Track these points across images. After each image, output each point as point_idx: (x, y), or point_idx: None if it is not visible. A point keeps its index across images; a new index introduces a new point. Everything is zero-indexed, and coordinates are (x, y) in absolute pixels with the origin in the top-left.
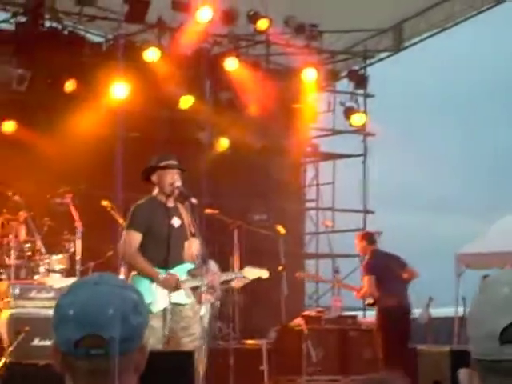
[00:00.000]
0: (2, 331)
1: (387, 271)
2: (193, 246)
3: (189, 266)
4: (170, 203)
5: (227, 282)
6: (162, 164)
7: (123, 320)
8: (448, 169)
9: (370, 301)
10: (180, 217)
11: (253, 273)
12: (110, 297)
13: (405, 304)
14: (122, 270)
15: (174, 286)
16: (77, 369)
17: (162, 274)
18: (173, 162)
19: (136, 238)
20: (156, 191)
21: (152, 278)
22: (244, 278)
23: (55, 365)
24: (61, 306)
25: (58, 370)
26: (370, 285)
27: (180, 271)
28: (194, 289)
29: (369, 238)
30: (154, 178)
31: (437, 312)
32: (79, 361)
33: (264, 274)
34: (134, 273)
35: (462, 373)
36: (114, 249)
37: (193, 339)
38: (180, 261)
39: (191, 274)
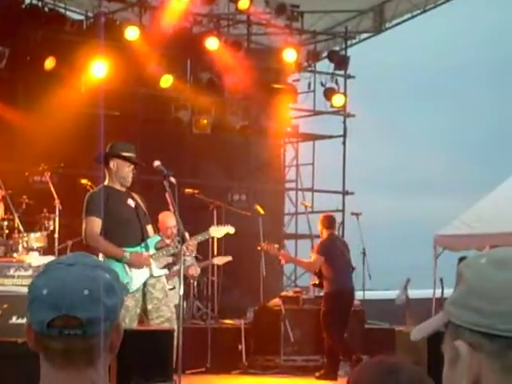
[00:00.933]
0: None
1: (337, 255)
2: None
3: (155, 239)
4: (123, 189)
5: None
6: (126, 155)
7: (96, 301)
8: (427, 150)
9: (316, 281)
10: (134, 200)
11: (219, 231)
12: (84, 278)
13: (350, 288)
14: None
15: (143, 262)
16: (51, 349)
17: (126, 252)
18: (133, 155)
19: (96, 223)
20: (108, 179)
21: (119, 258)
22: (212, 237)
23: (29, 344)
24: (35, 286)
25: (33, 349)
26: (316, 264)
27: (149, 245)
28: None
29: (327, 221)
30: (112, 164)
31: (415, 293)
32: (53, 341)
33: (230, 229)
34: (101, 256)
35: (462, 345)
36: None
37: (161, 322)
38: (146, 236)
39: (158, 246)
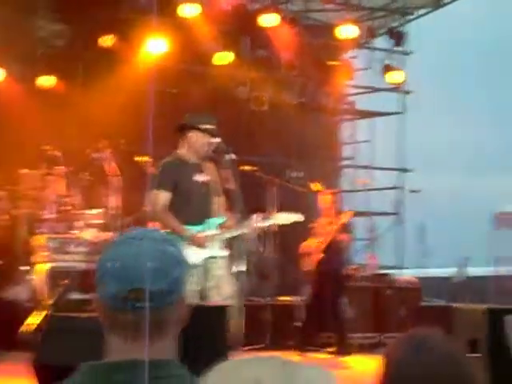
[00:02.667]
0: (41, 284)
1: None
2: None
3: (219, 219)
4: (197, 160)
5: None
6: (206, 127)
7: (165, 273)
8: (487, 128)
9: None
10: (207, 173)
11: (287, 218)
12: (154, 251)
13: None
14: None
15: (201, 243)
16: (122, 321)
17: (190, 231)
18: (213, 128)
19: (164, 196)
20: (184, 149)
21: (181, 236)
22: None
23: (100, 317)
24: (105, 259)
25: (103, 324)
26: None
27: (211, 225)
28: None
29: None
30: (190, 135)
31: (473, 271)
32: (125, 314)
33: (298, 217)
34: (163, 231)
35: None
36: None
37: (222, 299)
38: (211, 216)
39: (224, 227)
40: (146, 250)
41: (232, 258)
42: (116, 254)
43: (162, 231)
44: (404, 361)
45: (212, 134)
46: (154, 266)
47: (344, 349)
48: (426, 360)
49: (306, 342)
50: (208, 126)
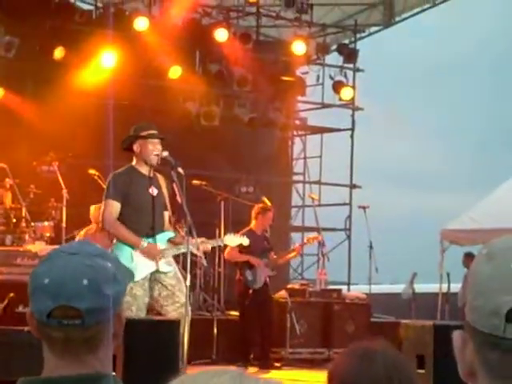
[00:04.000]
0: None
1: None
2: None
3: (169, 234)
4: (148, 173)
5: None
6: (144, 133)
7: (96, 291)
8: (436, 144)
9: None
10: (157, 186)
11: (234, 240)
12: (84, 267)
13: None
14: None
15: (155, 255)
16: (51, 337)
17: (143, 241)
18: (154, 132)
19: (114, 206)
20: (135, 161)
21: (133, 246)
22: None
23: (32, 331)
24: (36, 274)
25: (36, 336)
26: None
27: (161, 240)
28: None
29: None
30: (135, 146)
31: (421, 287)
32: (53, 330)
33: (244, 241)
34: (115, 241)
35: (456, 335)
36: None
37: (177, 307)
38: (160, 229)
39: (172, 242)
40: (77, 266)
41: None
42: (47, 269)
43: (98, 246)
44: (349, 372)
45: (153, 137)
46: (83, 282)
47: (268, 363)
48: (370, 369)
49: (255, 357)
50: (149, 132)
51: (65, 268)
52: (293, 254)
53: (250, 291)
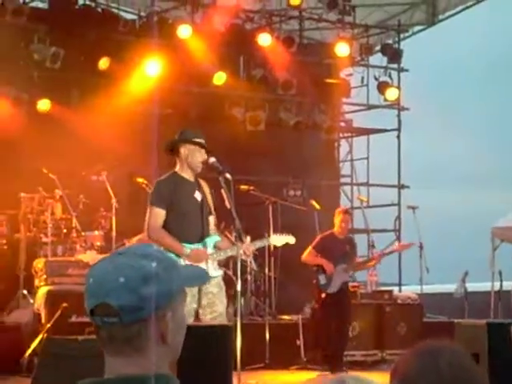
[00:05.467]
0: (39, 308)
1: None
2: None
3: (215, 238)
4: (192, 178)
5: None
6: (196, 140)
7: (132, 289)
8: (483, 142)
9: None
10: (202, 191)
11: (279, 239)
12: (124, 266)
13: None
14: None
15: (203, 259)
16: (100, 337)
17: (187, 248)
18: (202, 141)
19: (160, 214)
20: (179, 166)
21: (178, 254)
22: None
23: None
24: (87, 276)
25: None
26: None
27: (208, 244)
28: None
29: None
30: (182, 151)
31: (473, 286)
32: (99, 329)
33: (290, 239)
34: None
35: None
36: None
37: (215, 316)
38: (206, 234)
39: (217, 247)
40: (118, 265)
41: (229, 278)
42: (94, 270)
43: (155, 247)
44: (412, 369)
45: (201, 145)
46: (120, 280)
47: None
48: (434, 367)
49: (308, 360)
50: (196, 140)
51: (106, 268)
52: (372, 263)
53: (323, 295)
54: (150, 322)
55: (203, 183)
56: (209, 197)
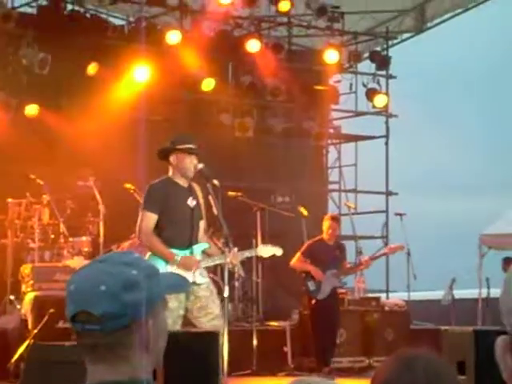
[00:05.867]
0: (26, 313)
1: None
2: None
3: (203, 245)
4: (185, 184)
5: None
6: (183, 147)
7: (113, 297)
8: (470, 150)
9: None
10: (195, 197)
11: (267, 250)
12: (104, 274)
13: None
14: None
15: (192, 266)
16: (82, 344)
17: (177, 255)
18: (193, 146)
19: (151, 218)
20: (171, 172)
21: (168, 260)
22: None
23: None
24: (68, 282)
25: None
26: None
27: (197, 251)
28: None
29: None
30: (172, 158)
31: (460, 293)
32: (80, 336)
33: (278, 251)
34: (149, 253)
35: (499, 340)
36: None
37: (210, 319)
38: (195, 241)
39: (206, 253)
40: (99, 273)
41: (217, 284)
42: (75, 277)
43: (134, 255)
44: (390, 378)
45: (191, 152)
46: (101, 288)
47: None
48: (411, 376)
49: (295, 367)
50: (186, 146)
51: (87, 275)
52: (361, 267)
53: (313, 301)
54: (131, 330)
55: (197, 188)
56: (201, 201)
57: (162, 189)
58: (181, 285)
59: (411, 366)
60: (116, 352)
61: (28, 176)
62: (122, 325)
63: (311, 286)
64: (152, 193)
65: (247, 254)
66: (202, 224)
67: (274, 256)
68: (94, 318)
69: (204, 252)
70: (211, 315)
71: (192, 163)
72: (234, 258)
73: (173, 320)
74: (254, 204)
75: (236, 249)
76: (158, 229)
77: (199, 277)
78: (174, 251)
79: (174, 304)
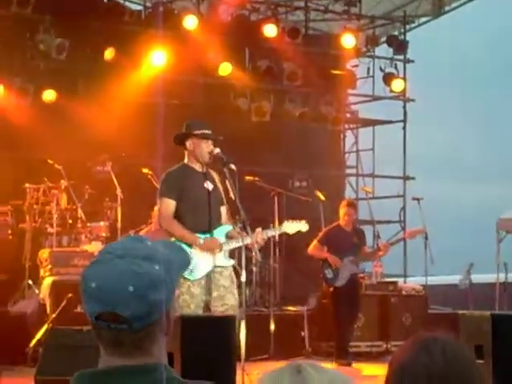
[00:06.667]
0: (45, 298)
1: None
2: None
3: (226, 228)
4: (202, 169)
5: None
6: (199, 132)
7: (142, 297)
8: (491, 134)
9: None
10: (212, 181)
11: (292, 227)
12: (130, 273)
13: None
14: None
15: (215, 248)
16: (103, 338)
17: (200, 238)
18: (208, 132)
19: (170, 204)
20: (187, 158)
21: (191, 244)
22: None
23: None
24: (85, 277)
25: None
26: None
27: (218, 234)
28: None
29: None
30: (188, 144)
31: (478, 278)
32: (103, 331)
33: (303, 226)
34: (172, 239)
35: None
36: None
37: (225, 309)
38: (217, 223)
39: (229, 236)
40: (123, 272)
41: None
42: (94, 273)
43: (147, 244)
44: (408, 361)
45: (207, 137)
46: (129, 289)
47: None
48: (428, 359)
49: (313, 351)
50: (202, 131)
51: (110, 273)
52: (380, 253)
53: (331, 289)
54: (155, 325)
55: (214, 174)
56: (220, 186)
57: (179, 175)
58: (187, 261)
59: (429, 349)
60: (141, 347)
61: (46, 161)
62: (148, 323)
63: (328, 273)
64: (168, 179)
65: (271, 232)
66: (224, 209)
67: (291, 238)
68: (121, 318)
69: (228, 235)
70: (226, 306)
71: (208, 148)
72: (259, 237)
73: (196, 305)
74: (271, 189)
75: (260, 228)
76: (177, 214)
77: (223, 259)
78: (198, 235)
79: (197, 290)
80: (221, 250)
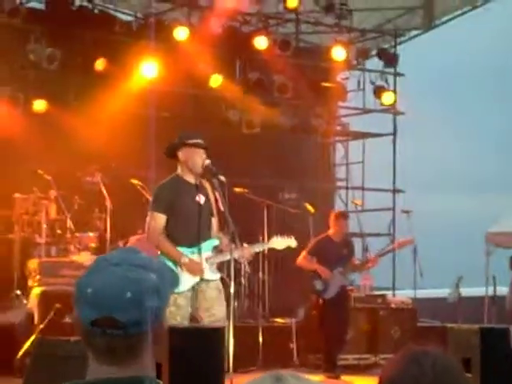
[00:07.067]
0: (33, 308)
1: None
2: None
3: (213, 242)
4: (195, 180)
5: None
6: (191, 142)
7: (139, 304)
8: (479, 147)
9: None
10: (204, 194)
11: (281, 243)
12: (127, 279)
13: None
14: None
15: (197, 273)
16: (95, 344)
17: (185, 257)
18: (200, 141)
19: (160, 219)
20: (180, 169)
21: (176, 261)
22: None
23: (79, 335)
24: (80, 284)
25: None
26: None
27: (206, 248)
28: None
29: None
30: (180, 154)
31: (467, 291)
32: (96, 338)
33: (292, 242)
34: (158, 253)
35: None
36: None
37: (214, 320)
38: (207, 237)
39: (218, 249)
40: (121, 278)
41: (223, 280)
42: (90, 280)
43: (143, 254)
44: (397, 374)
45: (199, 146)
46: (126, 295)
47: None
48: (418, 372)
49: (301, 363)
50: (193, 141)
51: (108, 279)
52: (369, 265)
53: (320, 301)
54: (150, 330)
55: (206, 185)
56: (211, 198)
57: (170, 188)
58: (176, 281)
59: (419, 362)
60: (133, 354)
61: (35, 171)
62: (143, 329)
63: (318, 285)
64: (159, 193)
65: (258, 247)
66: (214, 221)
67: (280, 250)
68: (118, 323)
69: (215, 248)
70: (214, 317)
71: (201, 158)
72: (246, 252)
73: (182, 316)
74: (260, 201)
75: (245, 244)
76: (168, 227)
77: (210, 273)
78: (183, 251)
79: (183, 302)
80: (202, 275)
